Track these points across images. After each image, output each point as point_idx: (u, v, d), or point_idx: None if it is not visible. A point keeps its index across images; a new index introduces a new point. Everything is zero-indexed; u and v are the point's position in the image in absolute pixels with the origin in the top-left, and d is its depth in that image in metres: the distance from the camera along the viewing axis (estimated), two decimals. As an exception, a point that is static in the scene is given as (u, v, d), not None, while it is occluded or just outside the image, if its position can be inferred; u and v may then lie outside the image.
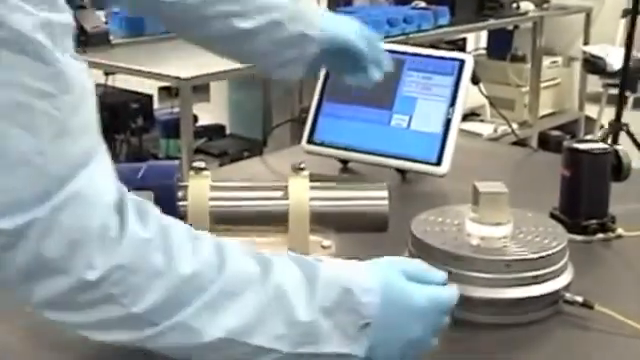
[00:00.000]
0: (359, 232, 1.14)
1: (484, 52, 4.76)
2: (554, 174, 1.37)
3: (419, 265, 0.91)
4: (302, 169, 1.10)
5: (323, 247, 1.14)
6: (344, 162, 1.69)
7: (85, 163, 0.66)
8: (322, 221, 1.10)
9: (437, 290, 0.88)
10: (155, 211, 0.74)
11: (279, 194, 1.08)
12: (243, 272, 0.76)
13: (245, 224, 1.09)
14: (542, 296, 1.04)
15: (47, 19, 0.63)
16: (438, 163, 1.54)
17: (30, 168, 0.63)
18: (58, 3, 0.66)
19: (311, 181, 1.10)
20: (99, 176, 0.68)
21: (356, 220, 1.12)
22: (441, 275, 0.91)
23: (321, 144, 1.65)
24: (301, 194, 1.08)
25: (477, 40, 5.01)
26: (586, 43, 4.78)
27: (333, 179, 1.21)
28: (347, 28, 1.30)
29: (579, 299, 1.06)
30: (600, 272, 1.23)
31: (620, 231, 1.33)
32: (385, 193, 1.12)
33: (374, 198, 1.13)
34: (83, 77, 0.67)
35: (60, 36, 0.65)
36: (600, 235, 1.33)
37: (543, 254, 1.06)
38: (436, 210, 1.19)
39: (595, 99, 4.77)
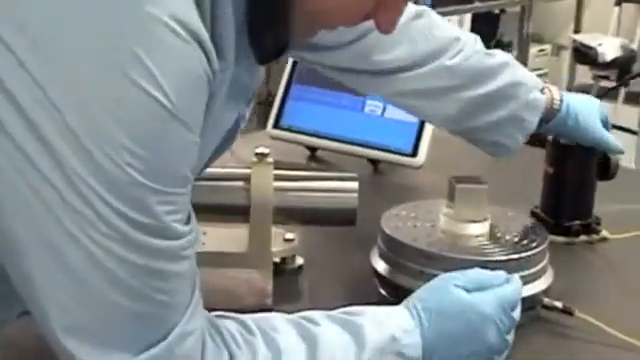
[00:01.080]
0: (326, 225, 1.14)
1: (467, 37, 4.78)
2: (537, 170, 1.38)
3: (474, 274, 0.94)
4: (266, 156, 1.10)
5: (286, 240, 1.14)
6: (312, 149, 1.69)
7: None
8: (286, 213, 1.10)
9: (496, 292, 0.92)
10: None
11: (240, 183, 1.08)
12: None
13: (204, 214, 1.08)
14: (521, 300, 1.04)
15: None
16: (413, 154, 1.55)
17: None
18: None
19: (276, 169, 1.10)
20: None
21: (323, 213, 1.12)
22: (500, 275, 0.94)
23: (288, 129, 1.65)
24: (264, 184, 1.08)
25: (461, 24, 5.03)
26: (577, 31, 4.81)
27: (299, 168, 1.21)
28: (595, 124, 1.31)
29: (558, 304, 1.07)
30: (582, 276, 1.25)
31: (605, 233, 1.35)
32: (355, 185, 1.12)
33: (343, 190, 1.13)
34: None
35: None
36: (583, 237, 1.35)
37: (521, 255, 1.07)
38: (409, 205, 1.19)
39: (584, 91, 4.81)
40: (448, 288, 0.91)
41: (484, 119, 1.27)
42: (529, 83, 1.27)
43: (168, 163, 0.69)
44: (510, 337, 0.92)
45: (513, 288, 0.94)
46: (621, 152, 1.35)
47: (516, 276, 0.96)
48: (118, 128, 0.66)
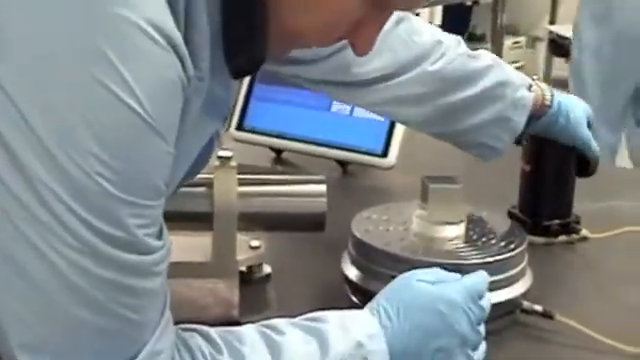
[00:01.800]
0: (293, 231, 1.14)
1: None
2: (514, 168, 1.40)
3: (435, 270, 0.96)
4: (229, 159, 1.10)
5: (252, 247, 1.14)
6: (277, 152, 1.69)
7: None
8: (251, 219, 1.10)
9: (461, 282, 0.94)
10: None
11: (202, 189, 1.08)
12: None
13: (168, 222, 1.08)
14: (497, 305, 1.05)
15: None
16: (384, 154, 1.56)
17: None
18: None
19: (239, 174, 1.10)
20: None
21: (290, 219, 1.13)
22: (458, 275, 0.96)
23: (252, 131, 1.65)
24: (228, 189, 1.08)
25: (431, 16, 5.06)
26: (552, 22, 4.86)
27: (264, 171, 1.21)
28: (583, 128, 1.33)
29: (538, 308, 1.08)
30: (562, 278, 1.26)
31: (585, 233, 1.36)
32: (323, 188, 1.13)
33: (311, 194, 1.13)
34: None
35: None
36: (563, 237, 1.36)
37: (499, 258, 1.08)
38: (380, 207, 1.20)
39: (562, 84, 4.86)
40: (411, 283, 0.92)
41: (468, 122, 1.28)
42: (516, 82, 1.28)
43: (141, 173, 0.69)
44: (482, 329, 0.94)
45: (478, 277, 0.96)
46: (597, 158, 1.36)
47: (481, 271, 0.98)
48: (87, 134, 0.66)
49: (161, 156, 0.70)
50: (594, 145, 1.34)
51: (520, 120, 1.28)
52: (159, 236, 0.73)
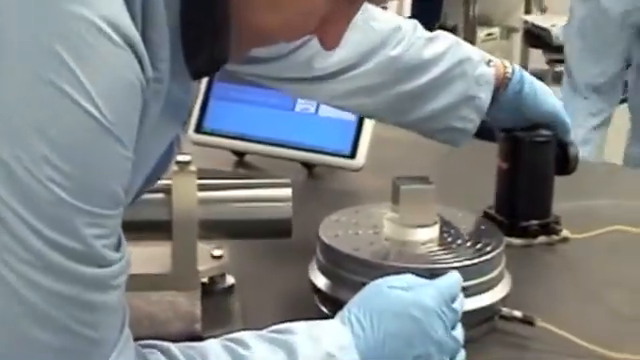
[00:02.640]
0: (258, 239, 1.15)
1: (408, 22, 4.83)
2: (489, 167, 1.41)
3: (406, 276, 0.98)
4: (188, 164, 1.10)
5: (214, 257, 1.14)
6: (239, 154, 1.69)
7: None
8: (213, 227, 1.10)
9: (433, 285, 0.95)
10: None
11: (160, 196, 1.08)
12: None
13: (124, 232, 1.08)
14: (474, 311, 1.06)
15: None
16: (352, 155, 1.56)
17: None
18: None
19: (199, 179, 1.10)
20: None
21: (254, 225, 1.13)
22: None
23: (211, 133, 1.65)
24: (187, 195, 1.08)
25: (400, 8, 5.08)
26: (528, 12, 4.90)
27: (226, 176, 1.22)
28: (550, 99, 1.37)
29: (518, 314, 1.09)
30: (542, 281, 1.27)
31: (565, 233, 1.38)
32: (289, 192, 1.13)
33: (275, 198, 1.14)
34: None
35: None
36: (542, 238, 1.37)
37: (475, 261, 1.09)
38: (349, 210, 1.21)
39: (538, 77, 4.89)
40: (382, 290, 0.94)
41: (433, 106, 1.31)
42: (474, 58, 1.32)
43: (97, 180, 0.69)
44: (458, 334, 0.95)
45: (450, 279, 0.98)
46: (576, 154, 1.38)
47: (453, 272, 1.00)
48: (39, 137, 0.65)
49: (119, 162, 0.70)
50: (567, 120, 1.37)
51: (485, 97, 1.32)
52: (118, 247, 0.73)
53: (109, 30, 0.67)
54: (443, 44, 1.31)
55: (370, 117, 1.44)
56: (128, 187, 0.73)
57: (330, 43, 0.85)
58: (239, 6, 0.77)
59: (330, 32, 0.83)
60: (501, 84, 1.33)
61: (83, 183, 0.68)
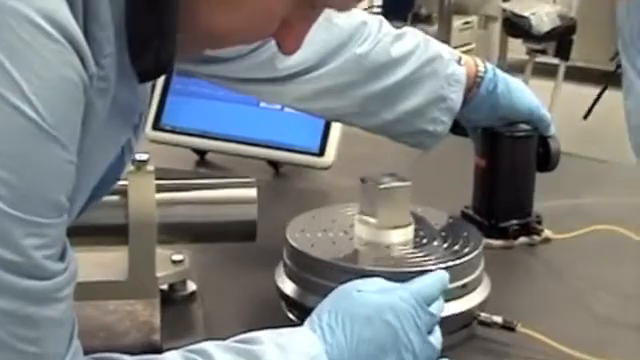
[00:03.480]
0: (221, 242, 1.15)
1: (379, 11, 4.85)
2: (467, 164, 1.41)
3: (376, 279, 0.98)
4: (145, 163, 1.10)
5: (174, 262, 1.14)
6: (201, 153, 1.69)
7: None
8: (172, 230, 1.10)
9: (406, 287, 0.96)
10: None
11: (115, 198, 1.08)
12: None
13: (72, 237, 1.08)
14: (452, 317, 1.07)
15: None
16: (320, 153, 1.57)
17: None
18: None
19: (157, 179, 1.10)
20: None
21: (216, 228, 1.13)
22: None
23: (170, 130, 1.65)
24: (144, 197, 1.08)
25: (371, -4, 5.10)
26: (506, -1, 4.92)
27: (186, 176, 1.21)
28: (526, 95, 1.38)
29: (498, 319, 1.10)
30: (523, 285, 1.28)
31: (547, 233, 1.39)
32: (253, 192, 1.13)
33: (239, 199, 1.14)
34: None
35: None
36: (523, 239, 1.38)
37: (452, 264, 1.09)
38: (318, 211, 1.21)
39: (518, 68, 4.92)
40: (352, 294, 0.94)
41: (402, 108, 1.31)
42: (445, 56, 1.32)
43: (37, 187, 0.68)
44: (435, 340, 0.95)
45: (427, 280, 0.98)
46: (558, 149, 1.39)
47: (437, 271, 1.01)
48: None
49: (61, 166, 0.69)
50: (546, 114, 1.38)
51: (457, 97, 1.32)
52: (61, 257, 0.73)
53: (46, 25, 0.66)
54: (411, 41, 1.32)
55: (337, 120, 1.44)
56: (73, 193, 0.73)
57: (289, 47, 0.85)
58: (191, 6, 0.77)
59: (289, 36, 0.84)
60: (473, 83, 1.34)
61: (22, 191, 0.67)
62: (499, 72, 1.36)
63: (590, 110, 4.76)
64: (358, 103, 1.30)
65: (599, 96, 4.66)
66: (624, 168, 1.87)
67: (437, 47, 1.33)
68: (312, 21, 0.85)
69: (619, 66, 2.97)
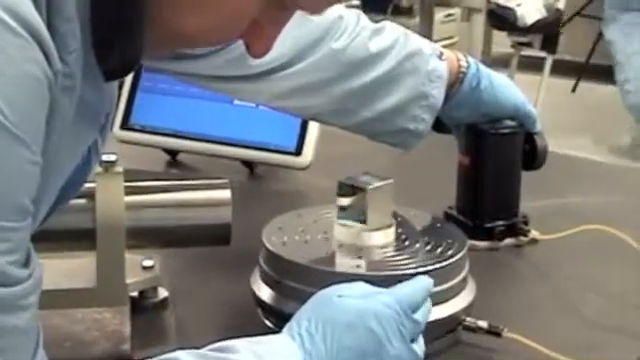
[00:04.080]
0: (194, 247, 1.15)
1: (358, 3, 4.85)
2: (450, 162, 1.42)
3: (358, 284, 0.98)
4: (114, 164, 1.10)
5: (144, 268, 1.14)
6: (172, 153, 1.69)
7: None
8: (142, 235, 1.10)
9: (390, 293, 0.96)
10: None
11: (82, 201, 1.08)
12: None
13: (37, 243, 1.07)
14: (435, 322, 1.07)
15: None
16: (297, 152, 1.57)
17: None
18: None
19: (126, 181, 1.09)
20: None
21: (188, 232, 1.13)
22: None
23: (140, 130, 1.64)
24: (113, 199, 1.08)
25: (349, -13, 5.10)
26: (490, -10, 4.94)
27: (156, 177, 1.21)
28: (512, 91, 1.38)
29: (483, 324, 1.10)
30: (510, 288, 1.29)
31: (534, 234, 1.39)
32: (227, 194, 1.13)
33: (213, 202, 1.14)
34: None
35: None
36: (509, 240, 1.39)
37: (435, 267, 1.09)
38: (296, 213, 1.21)
39: (503, 62, 4.94)
40: (333, 299, 0.94)
41: (381, 105, 1.31)
42: (426, 51, 1.33)
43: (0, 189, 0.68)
44: (418, 347, 0.96)
45: (411, 286, 0.98)
46: (545, 146, 1.39)
47: (421, 276, 1.01)
48: None
49: (25, 167, 0.69)
50: (532, 110, 1.38)
51: (438, 94, 1.32)
52: (26, 263, 0.72)
53: (8, 18, 0.66)
54: (390, 36, 1.32)
55: (314, 119, 1.44)
56: (37, 196, 0.72)
57: (258, 49, 0.85)
58: (159, 5, 0.77)
59: (259, 39, 0.84)
60: (456, 79, 1.34)
61: None
62: (482, 67, 1.36)
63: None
64: (336, 101, 1.31)
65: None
66: (613, 166, 1.88)
67: (417, 42, 1.34)
68: (282, 24, 0.85)
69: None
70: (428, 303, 0.99)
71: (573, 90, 5.36)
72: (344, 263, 1.10)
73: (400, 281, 1.01)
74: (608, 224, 1.33)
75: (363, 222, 1.13)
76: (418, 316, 0.96)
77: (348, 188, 1.14)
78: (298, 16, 1.21)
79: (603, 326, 1.17)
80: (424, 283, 1.01)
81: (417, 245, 1.14)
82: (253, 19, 0.81)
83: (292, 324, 0.93)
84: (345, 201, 1.14)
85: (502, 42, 4.97)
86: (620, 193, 1.57)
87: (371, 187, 1.12)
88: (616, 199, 1.53)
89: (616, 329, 1.16)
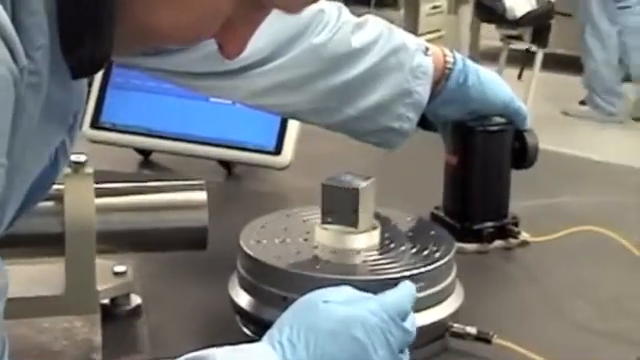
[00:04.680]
0: (168, 251, 1.14)
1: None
2: (437, 162, 1.42)
3: (345, 289, 0.97)
4: (83, 165, 1.09)
5: (116, 274, 1.14)
6: (145, 153, 1.68)
7: None
8: (114, 239, 1.10)
9: (378, 300, 0.95)
10: None
11: (50, 204, 1.07)
12: None
13: (7, 248, 1.07)
14: (422, 328, 1.07)
15: None
16: (277, 151, 1.57)
17: None
18: None
19: (97, 182, 1.09)
20: None
21: (163, 236, 1.13)
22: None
23: (111, 128, 1.64)
24: (83, 202, 1.07)
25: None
26: (478, -19, 4.95)
27: (128, 179, 1.21)
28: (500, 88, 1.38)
29: (472, 331, 1.10)
30: (500, 293, 1.29)
31: (525, 236, 1.40)
32: (203, 196, 1.13)
33: (188, 204, 1.13)
34: None
35: None
36: (498, 242, 1.39)
37: (421, 270, 1.09)
38: (275, 215, 1.21)
39: (491, 56, 4.95)
40: (317, 306, 0.94)
41: (364, 103, 1.31)
42: (410, 46, 1.33)
43: None
44: (406, 358, 0.96)
45: (399, 293, 0.98)
46: (536, 143, 1.40)
47: (406, 281, 1.01)
48: None
49: None
50: (522, 107, 1.39)
51: (423, 91, 1.33)
52: None
53: None
54: (373, 30, 1.32)
55: (294, 118, 1.44)
56: (3, 200, 0.72)
57: (232, 50, 0.85)
58: (131, 1, 0.77)
59: (233, 39, 0.84)
60: (441, 75, 1.35)
61: None
62: (469, 63, 1.37)
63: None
64: (316, 98, 1.31)
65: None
66: (606, 165, 1.88)
67: (401, 37, 1.34)
68: (257, 23, 0.86)
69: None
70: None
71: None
72: (326, 267, 1.10)
73: (385, 286, 1.01)
74: (602, 225, 1.34)
75: (352, 225, 1.13)
76: (408, 324, 0.96)
77: (334, 189, 1.13)
78: (277, 10, 1.21)
79: (596, 332, 1.18)
80: (410, 289, 1.01)
81: (402, 248, 1.14)
82: (227, 18, 0.81)
83: (273, 331, 0.93)
84: (331, 203, 1.14)
85: (490, 35, 4.99)
86: (615, 193, 1.58)
87: (362, 187, 1.12)
88: (611, 199, 1.54)
89: (610, 335, 1.17)
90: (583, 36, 4.88)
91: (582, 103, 5.11)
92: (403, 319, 0.96)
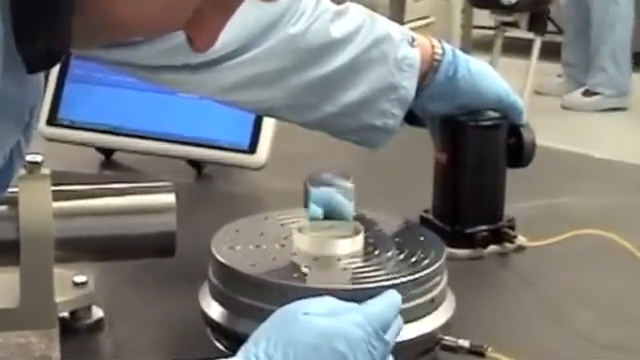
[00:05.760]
0: (132, 259, 1.14)
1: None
2: (425, 160, 1.42)
3: (326, 300, 0.98)
4: (39, 165, 1.09)
5: (76, 284, 1.14)
6: (107, 152, 1.68)
7: None
8: (73, 246, 1.10)
9: (360, 311, 0.96)
10: None
11: (3, 208, 1.07)
12: None
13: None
14: (410, 341, 1.08)
15: None
16: (251, 150, 1.57)
17: None
18: None
19: (54, 185, 1.09)
20: None
21: (127, 242, 1.13)
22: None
23: (70, 126, 1.64)
24: (39, 206, 1.07)
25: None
26: (470, -37, 4.96)
27: (89, 180, 1.21)
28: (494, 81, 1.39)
29: (464, 343, 1.11)
30: (494, 302, 1.30)
31: (521, 240, 1.40)
32: (171, 198, 1.13)
33: (154, 208, 1.14)
34: None
35: None
36: (493, 247, 1.40)
37: (409, 278, 1.10)
38: (249, 220, 1.21)
39: (485, 45, 4.96)
40: (297, 317, 0.94)
41: (345, 99, 1.31)
42: (395, 37, 1.33)
43: None
44: None
45: (382, 303, 0.99)
46: (532, 139, 1.40)
47: (391, 291, 1.01)
48: None
49: None
50: (517, 100, 1.39)
51: (409, 85, 1.33)
52: None
53: None
54: (355, 19, 1.32)
55: (269, 115, 1.44)
56: None
57: (202, 43, 0.85)
58: None
59: (202, 31, 0.84)
60: (429, 68, 1.35)
61: None
62: (460, 54, 1.37)
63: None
64: (293, 94, 1.31)
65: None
66: (610, 163, 1.89)
67: (385, 26, 1.34)
68: (229, 14, 0.85)
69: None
70: (399, 320, 1.00)
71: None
72: (304, 275, 1.10)
73: (369, 295, 1.01)
74: (604, 228, 1.34)
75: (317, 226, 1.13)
76: (388, 336, 0.97)
77: (307, 189, 1.14)
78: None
79: (599, 342, 1.18)
80: (394, 299, 1.01)
81: (389, 254, 1.14)
82: (197, 7, 0.81)
83: (248, 345, 0.93)
84: (305, 203, 1.14)
85: (484, 21, 4.99)
86: (618, 193, 1.58)
87: (319, 189, 1.13)
88: (613, 200, 1.55)
89: (613, 344, 1.17)
90: None
91: (584, 94, 5.13)
92: (385, 331, 0.97)
